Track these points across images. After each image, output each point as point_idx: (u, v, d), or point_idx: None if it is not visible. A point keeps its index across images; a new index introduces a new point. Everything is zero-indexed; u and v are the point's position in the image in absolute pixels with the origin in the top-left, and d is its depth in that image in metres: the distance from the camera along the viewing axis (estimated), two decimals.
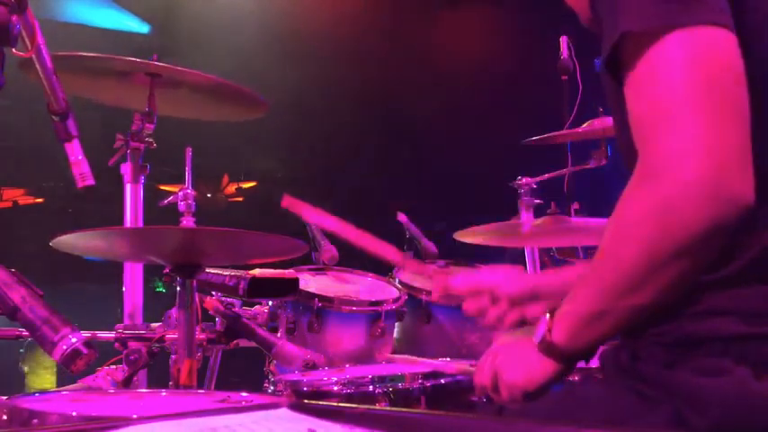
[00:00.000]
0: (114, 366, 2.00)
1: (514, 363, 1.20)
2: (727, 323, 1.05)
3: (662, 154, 0.98)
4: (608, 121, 2.90)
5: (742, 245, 1.06)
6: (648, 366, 1.11)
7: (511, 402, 1.20)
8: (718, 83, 0.98)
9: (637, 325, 1.10)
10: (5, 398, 1.38)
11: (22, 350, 5.92)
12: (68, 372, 1.32)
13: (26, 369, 6.03)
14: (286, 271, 2.26)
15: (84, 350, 1.31)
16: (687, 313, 1.08)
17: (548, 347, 1.14)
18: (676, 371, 1.07)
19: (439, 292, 1.48)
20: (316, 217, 1.55)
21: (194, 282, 1.91)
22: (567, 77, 3.51)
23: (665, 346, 1.10)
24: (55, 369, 5.94)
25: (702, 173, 0.95)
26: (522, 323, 1.40)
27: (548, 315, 1.15)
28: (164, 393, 1.63)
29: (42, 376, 5.92)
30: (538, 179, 3.14)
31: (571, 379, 1.97)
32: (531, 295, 1.39)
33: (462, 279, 1.46)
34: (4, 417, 1.26)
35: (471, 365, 1.55)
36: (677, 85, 0.99)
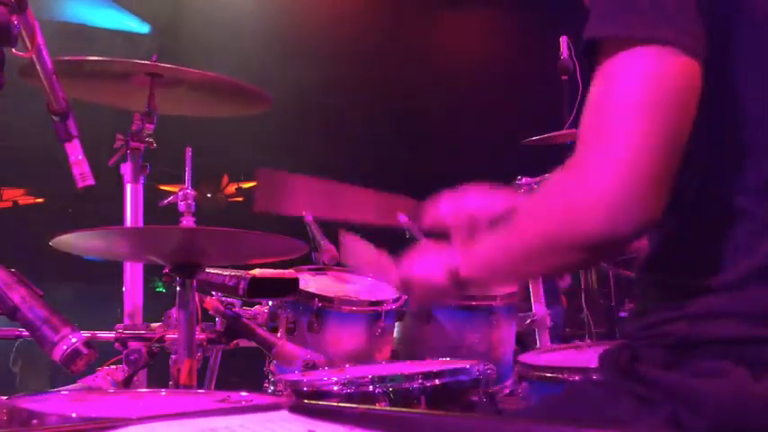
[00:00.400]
0: (114, 366, 2.00)
1: (422, 277, 1.32)
2: (727, 326, 1.05)
3: (587, 160, 1.04)
4: None
5: (744, 249, 1.07)
6: (647, 368, 1.11)
7: (414, 303, 1.44)
8: (659, 107, 1.01)
9: (632, 328, 1.15)
10: (5, 398, 1.38)
11: (12, 351, 5.91)
12: (68, 372, 1.32)
13: (18, 370, 6.03)
14: (286, 271, 2.26)
15: (84, 350, 1.30)
16: (687, 316, 1.09)
17: (452, 276, 1.25)
18: (675, 372, 1.08)
19: (428, 220, 1.55)
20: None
21: (194, 282, 1.91)
22: (566, 77, 3.52)
23: (665, 348, 1.10)
24: (49, 371, 5.94)
25: (613, 190, 1.00)
26: None
27: (459, 251, 1.27)
28: (164, 393, 1.63)
29: (35, 378, 5.92)
30: (538, 179, 3.14)
31: (566, 378, 1.98)
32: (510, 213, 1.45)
33: (446, 204, 1.53)
34: (4, 417, 1.26)
35: None
36: (621, 100, 1.02)
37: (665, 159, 1.00)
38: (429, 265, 1.31)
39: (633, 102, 1.01)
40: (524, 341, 3.50)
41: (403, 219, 3.14)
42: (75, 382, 2.00)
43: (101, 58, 2.29)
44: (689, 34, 1.02)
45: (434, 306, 1.31)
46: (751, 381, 1.02)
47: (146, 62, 2.31)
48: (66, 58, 2.09)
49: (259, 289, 2.12)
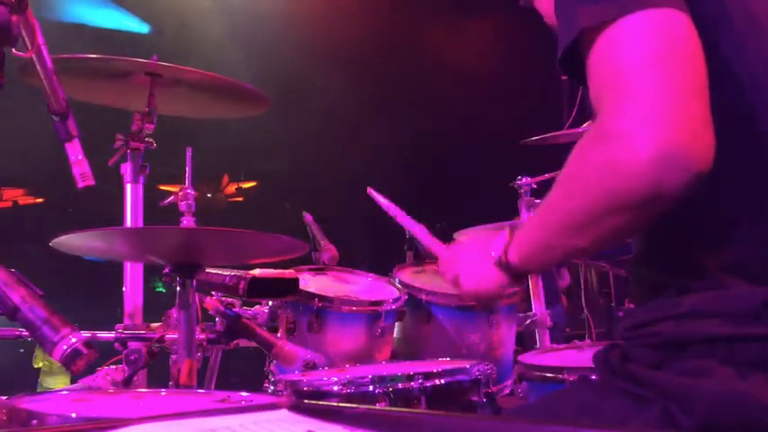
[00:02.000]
0: (114, 366, 2.00)
1: (472, 271, 1.34)
2: (712, 324, 1.06)
3: (619, 117, 1.00)
4: None
5: (728, 249, 1.08)
6: (637, 367, 1.12)
7: (469, 299, 1.43)
8: (677, 54, 1.00)
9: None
10: (5, 398, 1.38)
11: (21, 350, 5.91)
12: (68, 372, 1.32)
13: (41, 367, 6.02)
14: (286, 271, 2.26)
15: (84, 350, 1.30)
16: (673, 315, 1.10)
17: (502, 265, 1.26)
18: (663, 372, 1.09)
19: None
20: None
21: (194, 282, 1.91)
22: (567, 77, 3.51)
23: (653, 348, 1.12)
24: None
25: (652, 141, 0.97)
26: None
27: (507, 235, 1.27)
28: (164, 393, 1.63)
29: (57, 376, 5.92)
30: (538, 179, 3.14)
31: (566, 378, 1.98)
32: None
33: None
34: (4, 417, 1.26)
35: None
36: (638, 54, 1.01)
37: (696, 103, 0.98)
38: (476, 258, 1.31)
39: (648, 56, 0.99)
40: (524, 341, 3.50)
41: None
42: (75, 382, 2.00)
43: (101, 56, 2.29)
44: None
45: (495, 301, 1.32)
46: (738, 379, 1.02)
47: (146, 61, 2.31)
48: (65, 56, 2.08)
49: (259, 289, 2.12)
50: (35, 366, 6.15)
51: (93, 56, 2.29)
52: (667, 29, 1.01)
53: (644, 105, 0.97)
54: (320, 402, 1.81)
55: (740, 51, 1.11)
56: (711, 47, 1.04)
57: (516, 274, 1.27)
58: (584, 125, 3.01)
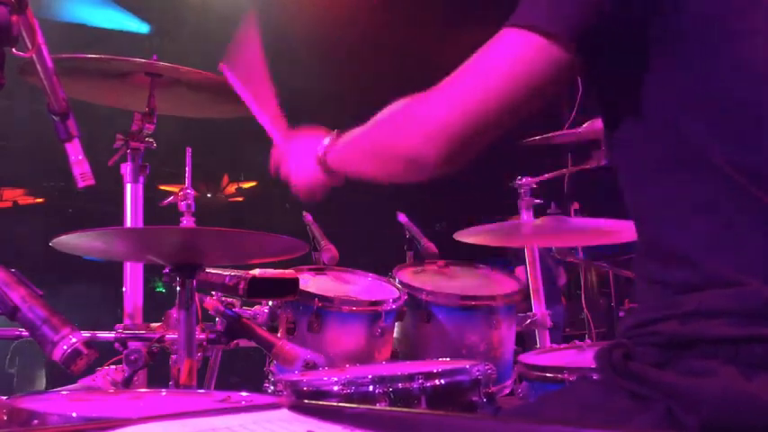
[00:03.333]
0: (114, 366, 2.00)
1: (300, 168, 1.56)
2: (716, 325, 1.06)
3: (433, 94, 1.23)
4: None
5: (734, 248, 1.07)
6: (641, 366, 1.12)
7: (301, 194, 1.58)
8: (487, 74, 1.17)
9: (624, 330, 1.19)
10: (5, 398, 1.38)
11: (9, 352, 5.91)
12: (68, 372, 1.32)
13: (14, 371, 6.02)
14: (286, 271, 2.26)
15: (85, 350, 1.30)
16: (678, 314, 1.09)
17: (322, 163, 1.50)
18: (667, 371, 1.08)
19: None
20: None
21: (194, 282, 1.91)
22: None
23: (657, 347, 1.11)
24: (44, 372, 5.93)
25: (432, 125, 1.21)
26: None
27: (327, 140, 1.51)
28: (164, 393, 1.63)
29: (33, 379, 5.91)
30: (538, 179, 3.14)
31: (566, 378, 1.98)
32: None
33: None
34: (4, 417, 1.26)
35: None
36: (474, 65, 1.19)
37: (473, 123, 1.18)
38: (304, 154, 1.54)
39: (477, 66, 1.18)
40: (524, 341, 3.50)
41: (402, 218, 3.14)
42: (75, 382, 2.00)
43: (101, 56, 2.29)
44: (560, 22, 1.11)
45: (315, 193, 1.59)
46: (742, 380, 1.02)
47: (146, 61, 2.31)
48: (65, 55, 2.08)
49: (259, 289, 2.12)
50: (9, 370, 6.13)
51: (93, 56, 2.29)
52: (503, 53, 1.16)
53: (442, 98, 1.20)
54: (320, 402, 1.81)
55: (756, 50, 1.11)
56: (722, 47, 1.05)
57: (331, 172, 1.50)
58: (585, 125, 3.01)
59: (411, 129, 1.24)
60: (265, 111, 1.79)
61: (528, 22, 1.13)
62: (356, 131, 1.43)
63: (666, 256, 1.14)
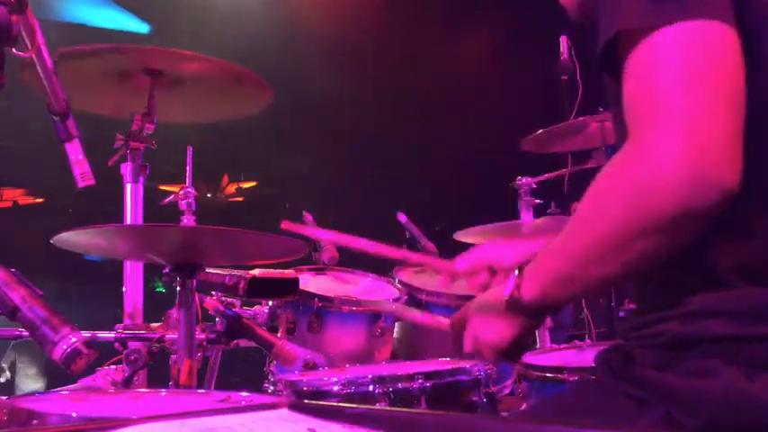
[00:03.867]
0: (114, 366, 2.00)
1: (487, 322, 1.23)
2: (717, 324, 1.05)
3: (647, 138, 0.98)
4: (607, 122, 2.90)
5: (734, 248, 1.07)
6: (640, 368, 1.11)
7: (493, 360, 1.27)
8: (715, 71, 0.99)
9: (601, 292, 1.10)
10: (5, 398, 1.38)
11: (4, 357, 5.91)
12: (68, 372, 1.32)
13: (7, 367, 6.02)
14: (286, 271, 2.26)
15: (85, 350, 1.31)
16: (678, 315, 1.09)
17: (515, 303, 1.16)
18: (667, 373, 1.08)
19: (447, 279, 1.49)
20: (314, 233, 1.66)
21: (194, 282, 1.91)
22: (567, 77, 3.52)
23: (657, 348, 1.11)
24: (43, 371, 5.93)
25: (683, 160, 0.95)
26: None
27: (516, 272, 1.16)
28: (164, 393, 1.63)
29: (31, 378, 5.92)
30: (538, 179, 3.14)
31: (566, 378, 1.98)
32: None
33: (463, 260, 1.47)
34: (4, 417, 1.26)
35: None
36: (676, 68, 0.99)
37: (729, 121, 0.97)
38: (486, 304, 1.22)
39: (686, 71, 0.98)
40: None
41: (402, 218, 3.14)
42: (75, 382, 2.00)
43: (98, 46, 2.28)
44: (723, 7, 1.01)
45: (518, 355, 1.27)
46: (744, 380, 1.01)
47: (145, 47, 2.30)
48: (65, 49, 2.07)
49: (259, 289, 2.12)
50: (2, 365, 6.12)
51: (91, 46, 2.28)
52: (708, 43, 0.99)
53: (675, 124, 0.96)
54: (320, 402, 1.81)
55: None
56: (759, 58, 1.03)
57: (533, 313, 1.17)
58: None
59: (650, 182, 0.97)
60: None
61: (704, 12, 1.00)
62: (552, 246, 1.14)
63: (668, 258, 1.14)
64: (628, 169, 1.00)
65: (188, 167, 2.22)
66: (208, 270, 2.09)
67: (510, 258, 1.40)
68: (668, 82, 0.98)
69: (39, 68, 1.63)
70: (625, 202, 1.00)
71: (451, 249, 3.16)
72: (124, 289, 2.43)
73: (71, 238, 1.78)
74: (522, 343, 1.22)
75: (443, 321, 1.39)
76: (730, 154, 0.96)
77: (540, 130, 3.05)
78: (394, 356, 2.66)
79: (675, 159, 0.95)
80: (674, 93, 0.97)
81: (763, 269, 1.06)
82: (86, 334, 1.45)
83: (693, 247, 1.06)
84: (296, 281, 2.27)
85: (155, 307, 2.38)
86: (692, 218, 0.97)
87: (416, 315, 1.61)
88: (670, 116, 0.97)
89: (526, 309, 1.16)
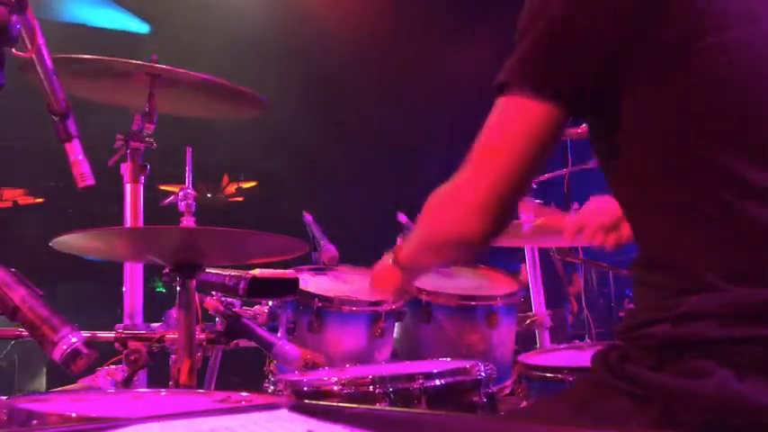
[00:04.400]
0: (114, 366, 2.00)
1: (380, 273, 1.61)
2: (709, 326, 1.07)
3: (463, 176, 1.27)
4: None
5: (724, 251, 1.09)
6: (636, 368, 1.12)
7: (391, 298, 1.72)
8: (503, 149, 1.21)
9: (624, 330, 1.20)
10: (5, 398, 1.38)
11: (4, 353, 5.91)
12: (68, 372, 1.32)
13: (4, 365, 6.02)
14: (286, 271, 2.26)
15: (85, 350, 1.31)
16: (670, 317, 1.10)
17: (396, 263, 1.56)
18: (662, 374, 1.09)
19: (572, 233, 1.85)
20: None
21: (194, 282, 1.91)
22: None
23: (651, 350, 1.12)
24: (43, 371, 5.94)
25: (472, 203, 1.25)
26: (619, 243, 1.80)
27: (399, 242, 1.58)
28: (164, 393, 1.63)
29: (31, 378, 5.92)
30: (538, 179, 3.14)
31: (566, 378, 1.98)
32: (618, 221, 1.76)
33: (591, 215, 1.82)
34: (4, 417, 1.26)
35: None
36: (493, 136, 1.24)
37: (502, 192, 1.22)
38: (383, 261, 1.60)
39: (484, 144, 1.23)
40: (524, 341, 3.50)
41: (403, 218, 3.14)
42: (75, 382, 2.00)
43: (100, 57, 2.29)
44: (559, 91, 1.16)
45: (403, 293, 1.80)
46: (736, 381, 1.02)
47: (146, 63, 2.31)
48: (64, 55, 2.08)
49: (259, 289, 2.12)
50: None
51: (93, 57, 2.29)
52: (511, 123, 1.21)
53: (474, 176, 1.25)
54: (320, 402, 1.81)
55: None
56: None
57: (406, 271, 1.56)
58: (584, 125, 3.01)
59: (450, 216, 1.29)
60: None
61: (524, 89, 1.19)
62: (411, 233, 1.50)
63: (660, 261, 1.15)
64: (447, 197, 1.31)
65: (188, 167, 2.22)
66: (208, 270, 2.09)
67: (603, 219, 1.77)
68: (488, 143, 1.24)
69: (39, 68, 1.63)
70: (439, 221, 1.34)
71: None
72: (124, 289, 2.43)
73: (70, 241, 1.78)
74: (403, 288, 1.61)
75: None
76: (482, 219, 1.24)
77: None
78: (394, 356, 2.66)
79: (470, 201, 1.25)
80: (487, 154, 1.24)
81: (751, 272, 1.07)
82: (86, 334, 1.45)
83: (686, 251, 1.08)
84: (296, 281, 2.27)
85: (155, 307, 2.38)
86: (459, 246, 1.32)
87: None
88: (477, 169, 1.25)
89: (401, 267, 1.55)
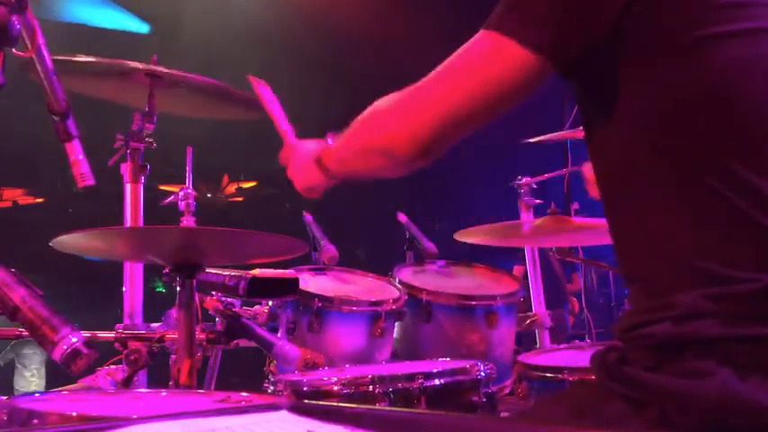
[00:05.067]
0: (114, 366, 2.00)
1: (302, 171, 1.63)
2: (710, 325, 1.06)
3: (404, 98, 1.29)
4: None
5: (725, 249, 1.08)
6: (634, 369, 1.12)
7: (305, 193, 1.66)
8: (466, 87, 1.20)
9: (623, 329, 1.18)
10: (5, 398, 1.38)
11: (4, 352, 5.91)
12: (68, 372, 1.32)
13: (2, 365, 6.02)
14: (286, 271, 2.26)
15: (85, 350, 1.30)
16: (670, 316, 1.09)
17: (321, 166, 1.57)
18: (661, 374, 1.08)
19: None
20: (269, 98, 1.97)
21: (194, 282, 1.91)
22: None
23: (650, 350, 1.11)
24: (43, 371, 5.94)
25: (398, 127, 1.29)
26: None
27: (329, 141, 1.60)
28: (164, 393, 1.63)
29: (31, 378, 5.92)
30: (538, 179, 3.14)
31: (566, 378, 1.98)
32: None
33: None
34: (4, 417, 1.26)
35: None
36: (446, 66, 1.23)
37: (445, 119, 1.22)
38: (307, 158, 1.61)
39: (467, 77, 1.20)
40: (524, 341, 3.50)
41: (402, 218, 3.14)
42: (75, 382, 2.00)
43: (100, 60, 2.29)
44: (545, 33, 1.14)
45: (313, 192, 1.68)
46: (737, 381, 1.02)
47: (146, 66, 2.31)
48: (64, 57, 2.08)
49: (259, 289, 2.12)
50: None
51: (93, 59, 2.29)
52: (487, 53, 1.18)
53: (417, 98, 1.26)
54: (320, 402, 1.81)
55: None
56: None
57: (330, 174, 1.58)
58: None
59: (387, 125, 1.31)
60: (281, 120, 1.93)
61: (506, 28, 1.16)
62: (341, 138, 1.51)
63: (659, 261, 1.15)
64: (383, 113, 1.34)
65: (188, 167, 2.22)
66: (208, 270, 2.09)
67: None
68: (439, 70, 1.24)
69: (39, 68, 1.63)
70: (375, 131, 1.36)
71: (451, 249, 3.17)
72: (124, 289, 2.43)
73: (70, 241, 1.78)
74: (318, 188, 1.63)
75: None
76: (413, 144, 1.27)
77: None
78: (394, 356, 2.66)
79: (398, 124, 1.28)
80: (436, 81, 1.24)
81: (753, 270, 1.06)
82: (86, 334, 1.45)
83: (685, 249, 1.07)
84: (296, 281, 2.27)
85: (155, 307, 2.38)
86: (397, 159, 1.32)
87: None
88: (416, 95, 1.27)
89: (325, 170, 1.57)
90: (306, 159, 1.62)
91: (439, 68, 1.24)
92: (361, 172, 1.53)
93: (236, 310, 2.18)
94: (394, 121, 1.31)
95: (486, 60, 1.19)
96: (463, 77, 1.21)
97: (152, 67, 2.32)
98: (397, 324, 2.66)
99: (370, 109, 1.40)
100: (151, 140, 2.44)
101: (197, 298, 1.94)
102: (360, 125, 1.43)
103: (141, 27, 5.88)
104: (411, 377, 1.91)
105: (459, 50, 1.22)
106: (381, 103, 1.37)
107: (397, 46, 5.89)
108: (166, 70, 2.33)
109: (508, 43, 1.15)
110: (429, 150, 1.27)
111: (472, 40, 1.21)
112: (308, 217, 2.92)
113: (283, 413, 0.88)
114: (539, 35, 1.14)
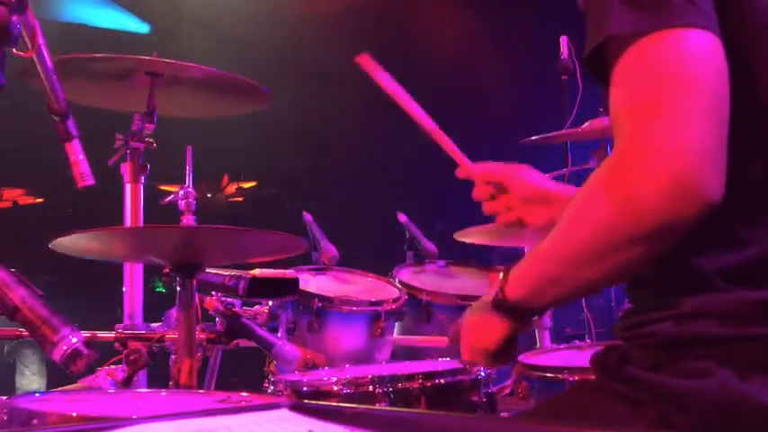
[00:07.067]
0: (114, 366, 2.00)
1: (476, 327, 1.26)
2: (711, 325, 1.05)
3: (635, 146, 0.98)
4: (607, 121, 2.90)
5: (728, 250, 1.07)
6: (635, 370, 1.11)
7: (485, 364, 1.30)
8: (697, 82, 0.98)
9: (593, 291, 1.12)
10: (5, 398, 1.38)
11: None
12: (68, 372, 1.32)
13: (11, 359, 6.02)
14: (286, 271, 2.26)
15: (85, 350, 1.31)
16: (672, 316, 1.09)
17: (500, 304, 1.18)
18: (661, 374, 1.08)
19: (462, 174, 1.59)
20: (388, 82, 1.60)
21: (194, 282, 1.91)
22: (567, 77, 3.52)
23: (651, 349, 1.11)
24: (44, 371, 5.93)
25: (670, 169, 0.95)
26: (520, 224, 1.49)
27: (501, 275, 1.18)
28: (164, 393, 1.63)
29: (31, 378, 5.91)
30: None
31: (566, 378, 1.98)
32: (541, 198, 1.47)
33: (482, 167, 1.57)
34: (5, 417, 1.26)
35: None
36: (657, 82, 0.99)
37: (710, 133, 0.96)
38: (475, 308, 1.25)
39: (676, 79, 0.97)
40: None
41: (402, 218, 3.14)
42: (75, 382, 2.00)
43: (101, 55, 2.29)
44: (708, 17, 1.01)
45: (509, 357, 1.29)
46: (737, 380, 1.02)
47: (145, 58, 2.31)
48: (65, 56, 2.08)
49: (259, 289, 2.12)
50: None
51: (94, 55, 2.29)
52: (693, 53, 0.98)
53: (661, 134, 0.96)
54: (320, 402, 1.81)
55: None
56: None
57: (519, 314, 1.18)
58: (585, 125, 3.01)
59: (640, 190, 0.97)
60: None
61: (669, 21, 0.99)
62: (539, 249, 1.13)
63: (661, 260, 1.14)
64: (615, 178, 1.00)
65: (188, 167, 2.22)
66: (208, 270, 2.09)
67: (526, 186, 1.50)
68: (658, 90, 0.98)
69: (39, 68, 1.63)
70: (611, 211, 1.00)
71: (451, 249, 3.17)
72: (124, 289, 2.43)
73: (70, 242, 1.78)
74: (512, 345, 1.24)
75: None
76: (713, 165, 0.96)
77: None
78: (394, 356, 2.66)
79: (664, 168, 0.95)
80: (664, 101, 0.97)
81: (752, 273, 1.06)
82: (86, 334, 1.45)
83: (685, 251, 1.06)
84: (296, 281, 2.27)
85: (155, 307, 2.38)
86: (673, 228, 0.98)
87: None
88: (657, 126, 0.97)
89: (511, 309, 1.18)
90: (480, 314, 1.25)
91: (659, 78, 0.99)
92: (599, 281, 1.08)
93: (236, 310, 2.18)
94: (653, 164, 0.96)
95: (685, 55, 0.99)
96: (686, 77, 0.98)
97: (153, 59, 2.32)
98: (396, 324, 2.66)
99: (575, 197, 1.07)
100: (151, 140, 2.44)
101: (197, 298, 1.94)
102: (575, 216, 1.06)
103: (141, 27, 5.87)
104: (411, 377, 1.91)
105: (650, 71, 0.99)
106: (593, 179, 1.03)
107: (404, 49, 5.89)
108: (168, 61, 2.33)
109: (684, 32, 0.99)
110: (718, 183, 0.97)
111: (637, 54, 1.00)
112: (308, 217, 2.92)
113: (284, 412, 0.88)
114: (695, 15, 1.00)
